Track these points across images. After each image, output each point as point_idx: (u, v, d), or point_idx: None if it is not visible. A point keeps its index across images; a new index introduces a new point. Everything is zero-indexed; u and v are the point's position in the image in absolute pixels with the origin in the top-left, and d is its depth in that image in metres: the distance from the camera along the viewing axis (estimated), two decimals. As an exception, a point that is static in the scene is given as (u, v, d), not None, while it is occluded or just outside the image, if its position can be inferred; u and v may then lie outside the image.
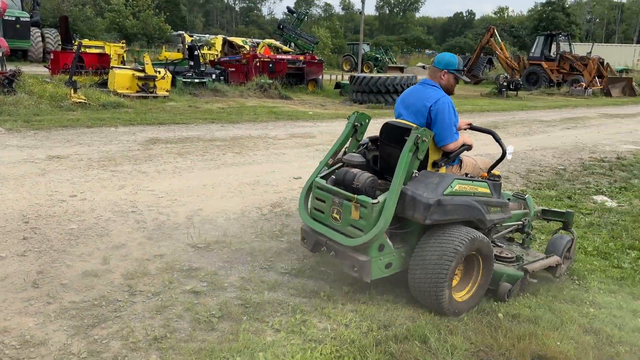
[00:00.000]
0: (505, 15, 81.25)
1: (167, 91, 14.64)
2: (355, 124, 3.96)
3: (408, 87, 17.50)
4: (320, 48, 44.47)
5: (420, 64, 50.76)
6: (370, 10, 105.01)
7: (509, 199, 4.18)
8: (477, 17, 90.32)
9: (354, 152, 3.91)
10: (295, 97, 18.05)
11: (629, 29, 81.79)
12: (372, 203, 3.30)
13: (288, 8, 36.09)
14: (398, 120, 3.85)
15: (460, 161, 3.97)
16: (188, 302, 3.47)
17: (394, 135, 3.71)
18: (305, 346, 3.01)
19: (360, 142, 4.02)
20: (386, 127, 3.82)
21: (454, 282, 3.49)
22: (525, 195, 4.50)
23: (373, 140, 4.09)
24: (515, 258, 3.90)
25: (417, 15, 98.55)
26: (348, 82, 18.40)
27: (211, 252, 4.35)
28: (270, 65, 19.27)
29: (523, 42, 59.48)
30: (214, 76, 17.21)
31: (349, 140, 3.98)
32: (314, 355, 2.91)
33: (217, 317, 3.30)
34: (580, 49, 33.11)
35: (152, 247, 4.38)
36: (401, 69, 36.69)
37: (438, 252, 3.30)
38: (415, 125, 3.56)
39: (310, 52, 26.68)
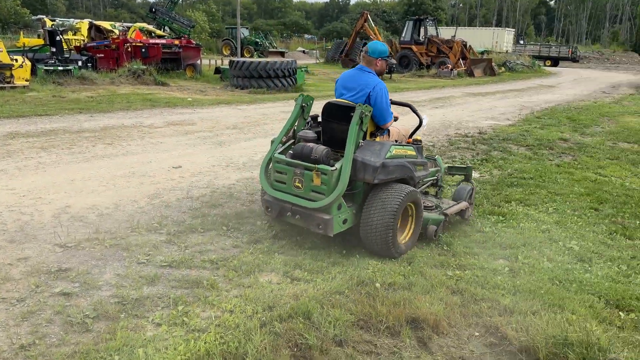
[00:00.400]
0: (379, 1, 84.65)
1: (26, 81, 13.36)
2: (303, 104, 4.47)
3: (289, 71, 17.66)
4: (198, 32, 43.10)
5: (300, 48, 51.34)
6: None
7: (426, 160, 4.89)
8: (352, 2, 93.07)
9: (305, 129, 4.47)
10: (173, 83, 17.37)
11: (489, 13, 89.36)
12: (332, 170, 3.91)
13: (160, -10, 34.34)
14: (340, 100, 4.38)
15: (388, 131, 4.61)
16: (58, 305, 3.23)
17: (337, 113, 4.27)
18: (188, 337, 2.96)
19: (307, 121, 4.61)
20: (329, 106, 4.34)
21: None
22: (435, 156, 5.34)
23: (314, 118, 4.69)
24: (435, 206, 4.73)
25: (295, 0, 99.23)
26: (228, 67, 18.06)
27: (82, 250, 4.08)
28: (143, 50, 18.30)
29: (395, 26, 62.39)
30: (80, 63, 15.98)
31: (298, 119, 4.50)
32: (198, 345, 2.86)
33: (91, 318, 3.12)
34: (446, 32, 35.46)
35: (15, 251, 4.00)
36: (282, 54, 36.88)
37: (385, 205, 3.96)
38: (358, 104, 4.06)
39: (187, 36, 25.74)
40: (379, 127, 4.43)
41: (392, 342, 3.04)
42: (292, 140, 4.46)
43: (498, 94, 19.12)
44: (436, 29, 31.35)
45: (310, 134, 4.33)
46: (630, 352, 2.86)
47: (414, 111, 4.67)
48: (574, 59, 47.88)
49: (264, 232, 4.59)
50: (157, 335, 2.96)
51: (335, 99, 4.42)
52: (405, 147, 4.35)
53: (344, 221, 4.04)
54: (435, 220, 4.50)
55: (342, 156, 4.00)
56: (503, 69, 31.39)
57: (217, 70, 20.21)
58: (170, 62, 19.47)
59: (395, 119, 4.62)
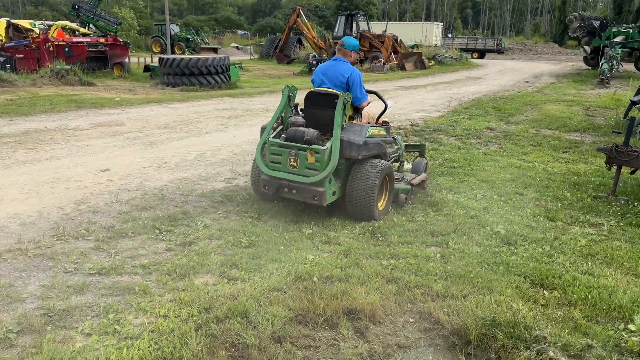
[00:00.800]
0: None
1: None
2: (289, 94, 5.07)
3: (221, 67, 17.37)
4: (125, 29, 41.55)
5: (234, 44, 50.61)
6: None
7: None
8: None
9: (294, 116, 5.13)
10: (100, 82, 16.69)
11: (418, 8, 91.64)
12: (324, 149, 4.57)
13: (83, -14, 32.76)
14: (322, 88, 5.04)
15: (361, 114, 5.36)
16: (-23, 323, 3.03)
17: (320, 100, 4.91)
18: (120, 345, 2.85)
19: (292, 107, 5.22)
20: (312, 94, 4.97)
21: None
22: (395, 136, 5.90)
23: (295, 106, 5.28)
24: (401, 178, 5.53)
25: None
26: (158, 64, 17.55)
27: (3, 262, 3.84)
28: (67, 49, 17.47)
29: (328, 22, 62.75)
30: (-3, 64, 15.03)
31: (285, 107, 5.10)
32: (131, 353, 2.77)
33: (15, 333, 2.95)
34: (377, 27, 36.06)
35: None
36: (215, 50, 36.23)
37: (368, 177, 4.72)
38: (339, 92, 4.73)
39: (113, 33, 24.76)
40: (356, 110, 5.28)
41: (331, 335, 3.07)
42: (282, 127, 5.06)
43: (429, 87, 19.68)
44: (368, 24, 31.80)
45: (300, 119, 5.00)
46: (553, 328, 3.02)
47: (380, 97, 5.45)
48: (499, 51, 50.03)
49: (199, 233, 4.50)
50: (87, 345, 2.84)
51: (317, 88, 5.10)
52: (377, 127, 5.20)
53: (334, 193, 4.76)
54: (404, 189, 5.33)
55: (329, 138, 4.69)
56: (433, 62, 32.34)
57: (147, 68, 19.63)
58: (97, 61, 18.72)
59: (368, 103, 5.35)
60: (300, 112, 5.26)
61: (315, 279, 3.67)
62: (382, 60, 27.74)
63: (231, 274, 3.72)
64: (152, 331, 2.99)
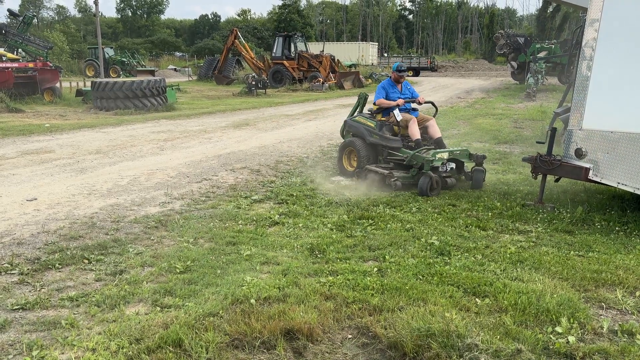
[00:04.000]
0: (248, 17, 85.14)
1: None
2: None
3: (157, 90, 17.08)
4: (57, 54, 40.20)
5: (171, 66, 49.91)
6: (111, 12, 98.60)
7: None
8: (223, 19, 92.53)
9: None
10: (29, 109, 16.00)
11: (354, 29, 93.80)
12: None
13: (9, 11, 31.41)
14: None
15: (389, 114, 7.50)
16: None
17: None
18: (42, 385, 2.68)
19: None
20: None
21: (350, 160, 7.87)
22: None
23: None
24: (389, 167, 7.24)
25: (163, 17, 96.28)
26: (90, 88, 17.02)
27: None
28: (-9, 75, 16.62)
29: (267, 42, 63.16)
30: None
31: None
32: (54, 392, 2.61)
33: None
34: (315, 48, 36.64)
35: None
36: (152, 72, 35.59)
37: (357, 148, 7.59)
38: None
39: (43, 58, 23.81)
40: (379, 109, 7.68)
41: (268, 357, 3.02)
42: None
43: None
44: (305, 44, 32.25)
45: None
46: (485, 334, 3.10)
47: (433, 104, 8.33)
48: (432, 69, 51.90)
49: (131, 261, 4.34)
50: (5, 389, 2.65)
51: None
52: (369, 120, 7.59)
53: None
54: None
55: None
56: (370, 80, 33.10)
57: (79, 93, 18.99)
58: (25, 87, 17.92)
59: (397, 105, 7.39)
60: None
61: (252, 301, 3.60)
62: (321, 80, 28.12)
63: (164, 302, 3.60)
64: (79, 367, 2.84)
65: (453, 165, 6.96)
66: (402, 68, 7.74)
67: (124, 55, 38.64)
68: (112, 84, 15.90)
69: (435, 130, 7.40)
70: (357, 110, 8.23)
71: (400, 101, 7.37)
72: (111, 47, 42.33)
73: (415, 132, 7.12)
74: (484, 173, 6.95)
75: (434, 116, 7.85)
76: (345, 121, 8.04)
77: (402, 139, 7.22)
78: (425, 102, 7.77)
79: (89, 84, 20.13)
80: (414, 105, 7.61)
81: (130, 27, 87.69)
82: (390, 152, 7.25)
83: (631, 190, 5.23)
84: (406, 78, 7.84)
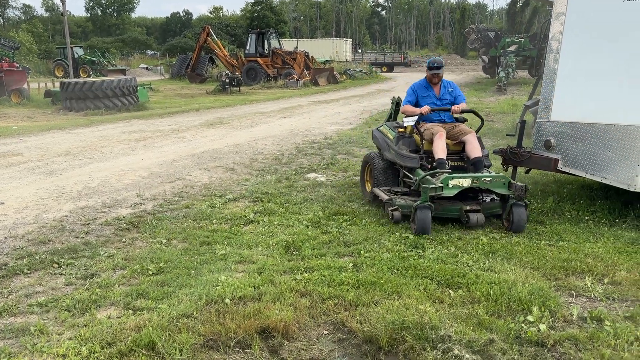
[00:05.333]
0: (221, 15, 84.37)
1: None
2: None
3: (128, 89, 16.83)
4: (24, 54, 39.31)
5: (143, 65, 49.18)
6: (80, 11, 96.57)
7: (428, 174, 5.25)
8: (195, 16, 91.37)
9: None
10: (-6, 111, 15.54)
11: (328, 25, 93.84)
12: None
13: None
14: None
15: (418, 122, 5.71)
16: None
17: None
18: (10, 394, 2.61)
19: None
20: None
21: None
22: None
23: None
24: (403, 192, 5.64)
25: (134, 15, 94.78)
26: (59, 89, 16.65)
27: None
28: (-47, 77, 16.14)
29: (241, 40, 62.69)
30: None
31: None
32: (23, 401, 2.54)
33: None
34: (289, 44, 36.50)
35: None
36: (123, 72, 34.97)
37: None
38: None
39: (9, 59, 23.25)
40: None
41: (244, 356, 3.00)
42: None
43: (341, 100, 20.12)
44: (279, 41, 32.11)
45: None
46: (458, 326, 3.13)
47: (476, 114, 6.00)
48: (406, 64, 52.26)
49: (102, 264, 4.26)
50: (-29, 399, 2.58)
51: None
52: (390, 131, 6.05)
53: None
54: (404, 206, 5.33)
55: None
56: (345, 76, 33.14)
57: (48, 94, 18.57)
58: (-10, 89, 17.44)
59: (421, 114, 5.70)
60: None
61: (227, 300, 3.57)
62: (296, 77, 28.06)
63: (137, 305, 3.54)
64: (49, 374, 2.77)
65: (494, 195, 5.30)
66: (435, 65, 5.89)
67: (94, 55, 37.87)
68: (82, 84, 15.59)
69: (474, 148, 5.46)
70: (391, 117, 6.75)
71: (425, 109, 5.67)
72: (80, 47, 41.46)
73: (439, 148, 5.38)
74: (526, 209, 5.05)
75: (478, 130, 5.83)
76: (372, 131, 6.74)
77: (424, 157, 5.53)
78: (464, 112, 5.84)
79: (57, 84, 19.70)
80: (457, 114, 5.86)
81: (100, 26, 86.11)
82: (406, 172, 5.74)
83: (599, 179, 5.34)
84: (439, 77, 5.96)
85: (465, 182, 4.99)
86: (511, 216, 5.01)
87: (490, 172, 5.24)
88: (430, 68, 5.90)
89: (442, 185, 4.95)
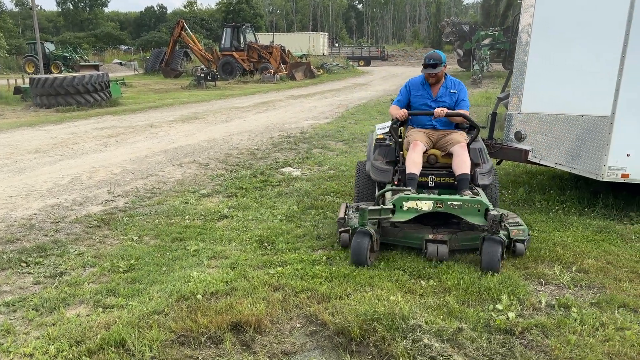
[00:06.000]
0: (195, 9, 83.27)
1: None
2: None
3: (100, 85, 16.55)
4: (-7, 50, 38.28)
5: (116, 60, 48.33)
6: (51, 6, 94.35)
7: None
8: (169, 11, 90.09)
9: None
10: (-39, 108, 15.12)
11: (304, 19, 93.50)
12: None
13: None
14: None
15: (399, 127, 4.86)
16: None
17: None
18: (-26, 396, 2.56)
19: None
20: None
21: None
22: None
23: None
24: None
25: (107, 10, 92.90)
26: (29, 85, 16.27)
27: None
28: None
29: (216, 34, 62.05)
30: None
31: None
32: (-13, 403, 2.49)
33: None
34: (265, 38, 36.28)
35: None
36: (96, 67, 34.34)
37: None
38: None
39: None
40: None
41: (215, 352, 2.98)
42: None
43: (318, 95, 20.09)
44: (254, 35, 31.86)
45: None
46: (429, 315, 3.16)
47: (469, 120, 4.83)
48: (383, 58, 52.47)
49: (72, 262, 4.19)
50: None
51: None
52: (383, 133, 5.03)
53: None
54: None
55: None
56: (322, 70, 33.12)
57: (18, 90, 18.13)
58: (-44, 85, 16.93)
59: (397, 119, 4.76)
60: None
61: (199, 296, 3.55)
62: (272, 71, 27.90)
63: (107, 302, 3.49)
64: (15, 375, 2.72)
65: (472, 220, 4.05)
66: (430, 61, 4.77)
67: (65, 50, 37.12)
68: (52, 80, 15.25)
69: (460, 162, 4.45)
70: None
71: (400, 113, 4.74)
72: (52, 42, 40.58)
73: (411, 161, 4.47)
74: (501, 246, 3.86)
75: (471, 140, 4.73)
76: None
77: (401, 171, 4.64)
78: (449, 117, 4.73)
79: (28, 80, 19.25)
80: (459, 117, 4.78)
81: (72, 21, 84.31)
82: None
83: (568, 169, 5.44)
84: (438, 77, 4.89)
85: (425, 206, 4.03)
86: (481, 251, 3.90)
87: (468, 194, 4.20)
88: (424, 66, 4.80)
89: (390, 207, 4.03)
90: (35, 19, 22.98)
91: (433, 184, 4.59)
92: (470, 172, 4.51)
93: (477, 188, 4.46)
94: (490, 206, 4.05)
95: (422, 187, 4.54)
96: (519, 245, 4.12)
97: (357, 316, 3.12)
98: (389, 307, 3.17)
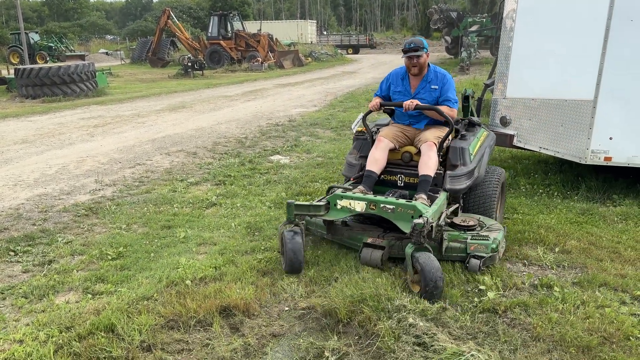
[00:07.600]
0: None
1: None
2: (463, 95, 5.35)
3: (86, 75, 16.36)
4: (-25, 41, 37.70)
5: (102, 50, 47.79)
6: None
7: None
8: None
9: None
10: (-55, 100, 14.92)
11: (293, 7, 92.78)
12: None
13: None
14: None
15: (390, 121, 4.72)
16: None
17: None
18: (-35, 382, 2.58)
19: None
20: None
21: None
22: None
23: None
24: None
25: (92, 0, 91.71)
26: (14, 76, 16.08)
27: None
28: None
29: (203, 23, 61.39)
30: None
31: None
32: (-22, 388, 2.52)
33: None
34: (253, 27, 36.00)
35: None
36: (82, 57, 33.93)
37: None
38: None
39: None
40: None
41: (204, 335, 3.02)
42: None
43: (306, 83, 20.05)
44: (242, 23, 31.63)
45: None
46: (414, 296, 3.23)
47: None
48: (371, 46, 52.25)
49: (60, 250, 4.20)
50: None
51: None
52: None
53: None
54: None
55: None
56: (310, 59, 32.96)
57: (2, 81, 17.90)
58: (-61, 77, 16.69)
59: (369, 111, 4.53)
60: None
61: (188, 282, 3.58)
62: (260, 59, 27.76)
63: (96, 289, 3.52)
64: (6, 359, 2.75)
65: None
66: (410, 45, 4.30)
67: (50, 40, 36.60)
68: (37, 70, 15.08)
69: (423, 163, 4.05)
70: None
71: (372, 103, 4.46)
72: (36, 32, 39.96)
73: (372, 158, 4.20)
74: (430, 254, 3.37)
75: (445, 138, 4.18)
76: None
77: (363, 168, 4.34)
78: (419, 109, 4.26)
79: (12, 71, 19.00)
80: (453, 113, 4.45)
81: (57, 11, 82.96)
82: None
83: (552, 153, 5.52)
84: (420, 64, 4.37)
85: (359, 206, 3.78)
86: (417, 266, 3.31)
87: (421, 198, 3.83)
88: (405, 52, 4.32)
89: (323, 204, 3.86)
90: (19, 9, 22.63)
91: (402, 184, 4.24)
92: (442, 173, 4.13)
93: (442, 192, 4.01)
94: (429, 213, 3.52)
95: (392, 186, 4.25)
96: (473, 261, 3.57)
97: (344, 298, 3.18)
98: (374, 288, 3.22)
